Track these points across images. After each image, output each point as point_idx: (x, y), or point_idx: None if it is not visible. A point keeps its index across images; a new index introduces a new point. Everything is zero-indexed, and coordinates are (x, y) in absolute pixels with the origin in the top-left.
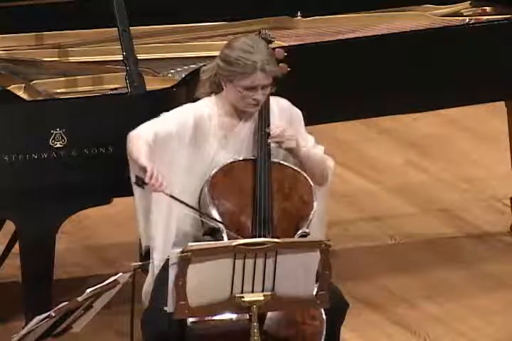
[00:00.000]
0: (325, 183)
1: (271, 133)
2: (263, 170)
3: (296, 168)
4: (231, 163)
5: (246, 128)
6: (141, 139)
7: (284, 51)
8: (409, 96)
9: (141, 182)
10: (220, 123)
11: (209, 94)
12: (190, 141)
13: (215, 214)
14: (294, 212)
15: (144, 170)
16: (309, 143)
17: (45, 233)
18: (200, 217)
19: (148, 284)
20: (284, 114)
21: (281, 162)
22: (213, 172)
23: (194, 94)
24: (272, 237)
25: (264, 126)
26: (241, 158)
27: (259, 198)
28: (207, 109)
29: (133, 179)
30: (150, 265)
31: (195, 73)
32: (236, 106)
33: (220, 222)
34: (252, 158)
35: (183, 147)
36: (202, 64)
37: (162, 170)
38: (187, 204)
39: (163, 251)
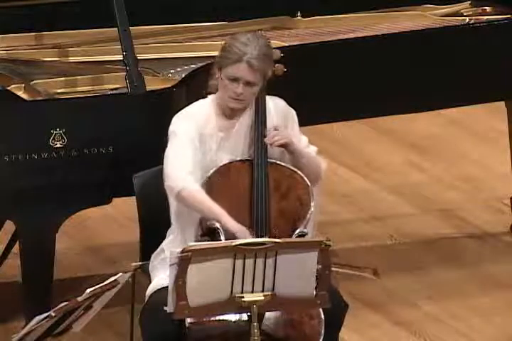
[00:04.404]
0: (315, 184)
1: (267, 134)
2: (260, 170)
3: (293, 168)
4: (228, 163)
5: (243, 129)
6: (198, 193)
7: (283, 51)
8: (410, 96)
9: None
10: (217, 125)
11: (216, 88)
12: (198, 150)
13: None
14: (292, 211)
15: (231, 233)
16: (303, 143)
17: (45, 233)
18: None
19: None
20: (279, 113)
21: (278, 162)
22: (210, 172)
23: (194, 94)
24: (270, 237)
25: (261, 126)
26: (238, 159)
27: (256, 198)
28: (204, 111)
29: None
30: (150, 265)
31: (195, 73)
32: (222, 99)
33: None
34: (249, 158)
35: (196, 158)
36: (202, 64)
37: None
38: None
39: None
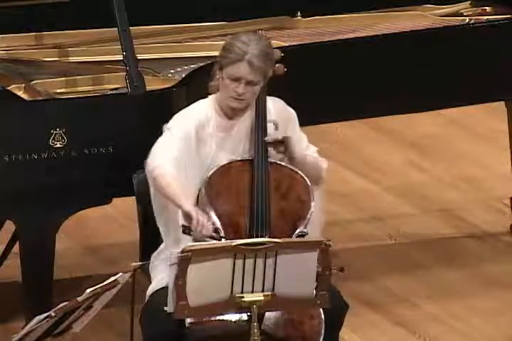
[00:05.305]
0: (319, 183)
1: (266, 138)
2: (260, 170)
3: (293, 168)
4: (228, 163)
5: (243, 129)
6: (168, 176)
7: (283, 51)
8: (410, 96)
9: (188, 231)
10: (218, 125)
11: (216, 89)
12: (195, 150)
13: (212, 215)
14: (292, 211)
15: (188, 216)
16: (303, 143)
17: (45, 233)
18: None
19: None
20: (279, 114)
21: (279, 162)
22: (210, 172)
23: (194, 94)
24: (270, 237)
25: (261, 126)
26: (238, 159)
27: (256, 198)
28: (204, 112)
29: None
30: (150, 265)
31: (195, 73)
32: (223, 99)
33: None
34: (249, 158)
35: (192, 158)
36: (202, 64)
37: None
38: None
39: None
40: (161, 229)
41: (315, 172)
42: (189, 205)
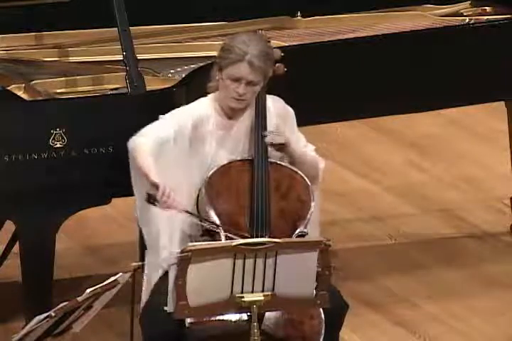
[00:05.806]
0: (316, 182)
1: (267, 134)
2: (261, 170)
3: (293, 168)
4: (228, 163)
5: (243, 128)
6: (145, 151)
7: (283, 51)
8: (410, 96)
9: (152, 200)
10: (218, 123)
11: (215, 89)
12: (189, 144)
13: (212, 214)
14: (292, 211)
15: (155, 187)
16: (301, 142)
17: (45, 233)
18: (206, 224)
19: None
20: (279, 112)
21: (279, 162)
22: (211, 172)
23: (194, 94)
24: (270, 237)
25: (262, 126)
26: (238, 159)
27: (256, 198)
28: (204, 109)
29: (134, 182)
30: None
31: (195, 73)
32: (223, 100)
33: (223, 228)
34: (249, 158)
35: (183, 150)
36: (202, 64)
37: (165, 177)
38: (199, 217)
39: (168, 251)
40: (145, 222)
41: (312, 172)
42: (157, 176)
